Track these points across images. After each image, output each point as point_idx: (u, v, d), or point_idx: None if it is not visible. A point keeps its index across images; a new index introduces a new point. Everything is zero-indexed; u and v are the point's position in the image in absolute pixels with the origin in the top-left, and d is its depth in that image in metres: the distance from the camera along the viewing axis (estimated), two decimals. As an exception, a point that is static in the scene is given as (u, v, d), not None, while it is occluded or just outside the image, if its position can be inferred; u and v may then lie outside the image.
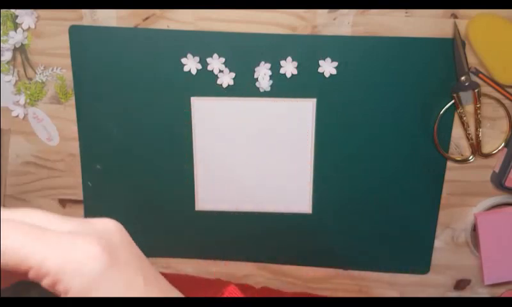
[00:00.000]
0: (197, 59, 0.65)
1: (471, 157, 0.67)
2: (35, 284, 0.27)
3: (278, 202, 0.71)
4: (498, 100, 0.65)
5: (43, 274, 0.26)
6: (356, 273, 0.74)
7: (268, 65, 0.65)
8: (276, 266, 0.75)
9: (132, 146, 0.70)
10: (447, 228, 0.71)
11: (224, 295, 0.29)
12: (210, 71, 0.65)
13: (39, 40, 0.67)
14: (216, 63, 0.65)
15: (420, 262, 0.73)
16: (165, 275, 0.35)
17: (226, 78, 0.65)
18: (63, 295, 0.26)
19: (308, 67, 0.65)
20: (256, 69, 0.65)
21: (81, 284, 0.26)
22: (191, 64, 0.65)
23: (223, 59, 0.65)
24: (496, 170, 0.67)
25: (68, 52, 0.67)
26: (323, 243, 0.73)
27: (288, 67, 0.65)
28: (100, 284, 0.27)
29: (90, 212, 0.74)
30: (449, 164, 0.68)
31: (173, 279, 0.38)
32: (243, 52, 0.65)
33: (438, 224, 0.71)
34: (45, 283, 0.26)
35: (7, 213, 0.28)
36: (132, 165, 0.71)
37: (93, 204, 0.73)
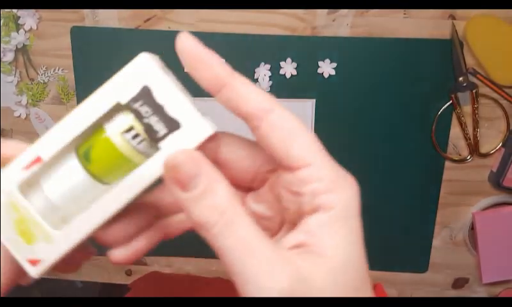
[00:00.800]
0: (197, 59, 0.66)
1: (469, 157, 0.68)
2: (37, 284, 0.28)
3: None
4: (495, 101, 0.66)
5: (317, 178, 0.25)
6: (355, 272, 0.75)
7: (268, 66, 0.65)
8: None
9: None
10: (445, 227, 0.72)
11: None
12: (211, 72, 0.66)
13: (41, 41, 0.67)
14: (216, 64, 0.66)
15: (418, 261, 0.74)
16: (166, 274, 0.36)
17: (226, 79, 0.66)
18: (315, 210, 0.25)
19: (307, 68, 0.65)
20: (256, 70, 0.66)
21: (344, 202, 0.25)
22: (191, 65, 0.66)
23: (223, 60, 0.65)
24: (494, 170, 0.68)
25: (70, 53, 0.67)
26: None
27: (288, 68, 0.65)
28: (350, 217, 0.26)
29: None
30: (447, 163, 0.69)
31: (173, 277, 0.38)
32: (243, 53, 0.65)
33: (436, 224, 0.72)
34: (311, 187, 0.25)
35: None
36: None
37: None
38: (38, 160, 0.25)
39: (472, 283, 0.74)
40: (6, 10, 0.65)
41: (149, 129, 0.25)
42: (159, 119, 0.25)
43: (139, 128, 0.25)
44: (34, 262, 0.26)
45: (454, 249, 0.73)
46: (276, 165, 0.27)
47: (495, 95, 0.65)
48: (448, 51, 0.64)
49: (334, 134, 0.68)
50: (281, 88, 0.66)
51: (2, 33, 0.66)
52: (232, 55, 0.66)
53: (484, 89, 0.65)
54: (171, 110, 0.25)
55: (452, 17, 0.63)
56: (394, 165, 0.69)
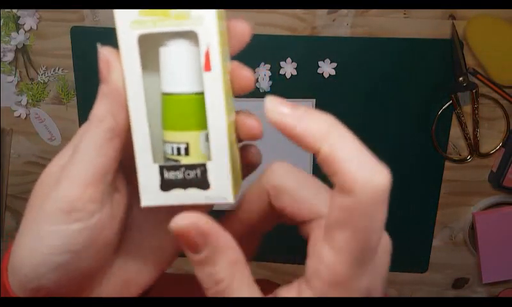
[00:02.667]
0: (197, 59, 0.66)
1: (469, 157, 0.68)
2: None
3: (277, 201, 0.72)
4: (495, 101, 0.66)
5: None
6: (355, 272, 0.75)
7: (268, 66, 0.65)
8: (276, 264, 0.76)
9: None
10: (445, 227, 0.72)
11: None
12: (211, 72, 0.66)
13: (41, 41, 0.67)
14: (216, 64, 0.66)
15: (418, 261, 0.74)
16: (166, 273, 0.36)
17: (226, 79, 0.66)
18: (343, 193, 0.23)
19: (307, 68, 0.65)
20: (256, 70, 0.66)
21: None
22: (191, 65, 0.66)
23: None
24: (494, 170, 0.68)
25: (70, 52, 0.67)
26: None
27: (288, 68, 0.65)
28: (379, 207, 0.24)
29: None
30: (447, 163, 0.69)
31: (173, 278, 0.38)
32: (243, 53, 0.65)
33: (437, 223, 0.72)
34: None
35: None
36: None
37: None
38: None
39: (472, 283, 0.74)
40: (6, 10, 0.65)
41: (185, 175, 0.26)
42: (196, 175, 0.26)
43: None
44: None
45: (454, 249, 0.73)
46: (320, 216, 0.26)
47: (495, 95, 0.65)
48: (448, 51, 0.64)
49: (334, 134, 0.68)
50: (281, 88, 0.66)
51: (2, 33, 0.66)
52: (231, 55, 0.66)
53: (484, 89, 0.65)
54: (210, 171, 0.25)
55: (452, 17, 0.63)
56: (394, 165, 0.69)
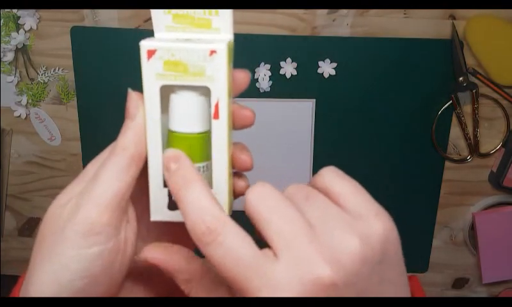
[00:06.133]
0: (197, 59, 0.66)
1: (469, 157, 0.68)
2: None
3: (277, 201, 0.72)
4: (495, 101, 0.66)
5: None
6: (355, 272, 0.75)
7: (268, 66, 0.65)
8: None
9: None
10: (445, 227, 0.72)
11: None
12: (211, 72, 0.66)
13: (41, 41, 0.67)
14: (216, 64, 0.66)
15: (418, 261, 0.74)
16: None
17: (226, 79, 0.66)
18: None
19: (307, 68, 0.65)
20: (256, 70, 0.66)
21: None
22: (191, 65, 0.66)
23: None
24: (494, 170, 0.68)
25: (70, 53, 0.67)
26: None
27: (288, 68, 0.65)
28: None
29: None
30: (447, 163, 0.69)
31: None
32: (243, 53, 0.65)
33: (437, 223, 0.72)
34: None
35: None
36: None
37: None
38: None
39: (472, 283, 0.74)
40: (6, 10, 0.65)
41: None
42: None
43: None
44: None
45: (454, 249, 0.73)
46: None
47: (495, 95, 0.65)
48: (448, 51, 0.64)
49: (334, 134, 0.68)
50: (281, 88, 0.66)
51: (2, 33, 0.66)
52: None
53: (484, 89, 0.65)
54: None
55: (452, 17, 0.63)
56: (394, 165, 0.69)
